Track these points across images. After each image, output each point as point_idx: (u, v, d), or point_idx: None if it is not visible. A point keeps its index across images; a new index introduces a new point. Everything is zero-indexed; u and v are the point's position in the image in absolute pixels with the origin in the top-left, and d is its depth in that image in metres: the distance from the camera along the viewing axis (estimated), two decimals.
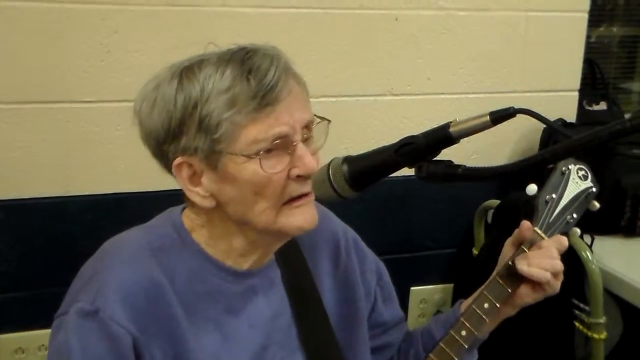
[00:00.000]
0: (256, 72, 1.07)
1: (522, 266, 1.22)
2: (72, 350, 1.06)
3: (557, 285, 1.24)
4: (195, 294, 1.15)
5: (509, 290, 1.25)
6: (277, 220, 1.12)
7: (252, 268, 1.21)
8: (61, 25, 1.84)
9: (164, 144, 1.11)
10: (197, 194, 1.12)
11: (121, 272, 1.11)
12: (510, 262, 1.24)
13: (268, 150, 1.08)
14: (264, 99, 1.06)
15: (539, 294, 1.25)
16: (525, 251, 1.25)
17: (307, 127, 1.13)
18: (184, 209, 1.22)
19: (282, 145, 1.09)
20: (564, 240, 1.25)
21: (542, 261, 1.22)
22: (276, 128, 1.07)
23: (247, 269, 1.20)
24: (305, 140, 1.12)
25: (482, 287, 1.27)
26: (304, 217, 1.14)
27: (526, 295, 1.25)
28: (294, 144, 1.10)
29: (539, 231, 1.26)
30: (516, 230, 1.29)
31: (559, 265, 1.22)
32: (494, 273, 1.27)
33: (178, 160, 1.11)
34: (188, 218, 1.19)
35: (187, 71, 1.09)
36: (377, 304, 1.42)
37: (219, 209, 1.14)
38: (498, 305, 1.24)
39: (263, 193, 1.10)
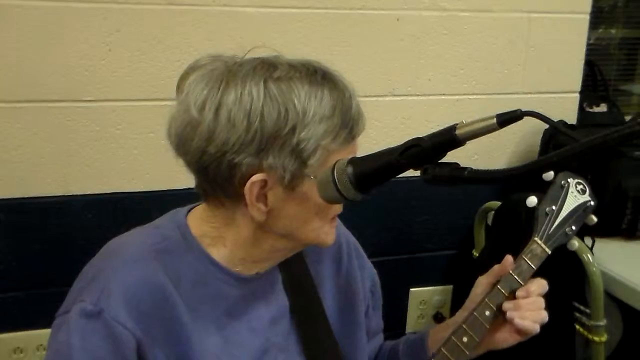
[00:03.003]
0: (343, 102, 1.09)
1: (517, 319, 1.24)
2: (74, 350, 1.05)
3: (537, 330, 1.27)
4: (198, 297, 1.14)
5: (487, 327, 1.27)
6: (320, 236, 1.15)
7: (258, 272, 1.21)
8: (62, 24, 1.83)
9: (235, 154, 1.06)
10: (258, 209, 1.10)
11: (126, 274, 1.10)
12: (492, 305, 1.27)
13: None
14: (352, 130, 1.10)
15: (516, 340, 1.29)
16: (503, 293, 1.27)
17: None
18: (189, 210, 1.21)
19: None
20: (546, 285, 1.29)
21: (533, 314, 1.25)
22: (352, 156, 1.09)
23: (253, 274, 1.20)
24: None
25: (460, 321, 1.29)
26: (334, 233, 1.19)
27: (504, 341, 1.29)
28: None
29: (540, 241, 1.28)
30: (496, 266, 1.31)
31: (546, 317, 1.27)
32: (473, 308, 1.29)
33: (258, 177, 1.07)
34: (200, 220, 1.18)
35: (276, 84, 1.06)
36: (368, 311, 1.42)
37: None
38: (478, 340, 1.26)
39: (323, 213, 1.13)
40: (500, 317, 1.28)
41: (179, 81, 1.14)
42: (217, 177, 1.09)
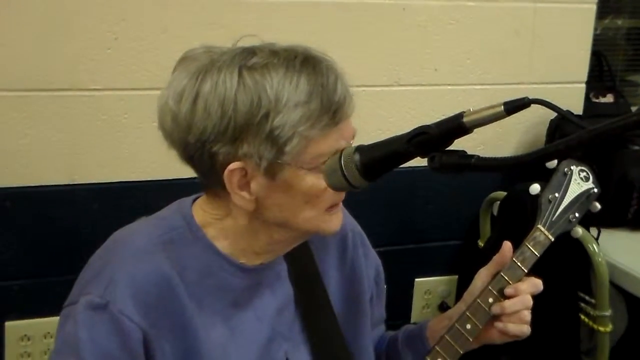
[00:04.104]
0: (326, 86, 1.06)
1: (501, 326, 1.25)
2: (81, 342, 1.05)
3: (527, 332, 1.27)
4: (203, 288, 1.14)
5: (491, 314, 1.27)
6: (319, 225, 1.14)
7: (262, 263, 1.20)
8: (68, 13, 1.84)
9: (213, 142, 1.06)
10: (242, 197, 1.09)
11: (132, 266, 1.10)
12: (496, 292, 1.26)
13: (324, 163, 1.07)
14: (336, 115, 1.07)
15: (511, 339, 1.28)
16: (506, 280, 1.26)
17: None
18: (194, 200, 1.21)
19: None
20: (540, 284, 1.28)
21: (519, 315, 1.25)
22: (340, 142, 1.08)
23: (258, 264, 1.20)
24: None
25: (464, 308, 1.29)
26: (338, 221, 1.17)
27: (498, 338, 1.29)
28: None
29: (543, 229, 1.28)
30: (496, 256, 1.30)
31: (528, 317, 1.26)
32: (477, 295, 1.29)
33: (235, 165, 1.06)
34: (202, 210, 1.18)
35: (250, 72, 1.05)
36: (372, 300, 1.42)
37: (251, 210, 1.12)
38: (481, 327, 1.27)
39: (314, 202, 1.10)
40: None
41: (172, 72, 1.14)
42: (203, 167, 1.10)
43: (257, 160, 1.05)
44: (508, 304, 1.25)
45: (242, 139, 1.05)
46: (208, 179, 1.12)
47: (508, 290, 1.25)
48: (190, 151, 1.09)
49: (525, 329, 1.26)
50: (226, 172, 1.07)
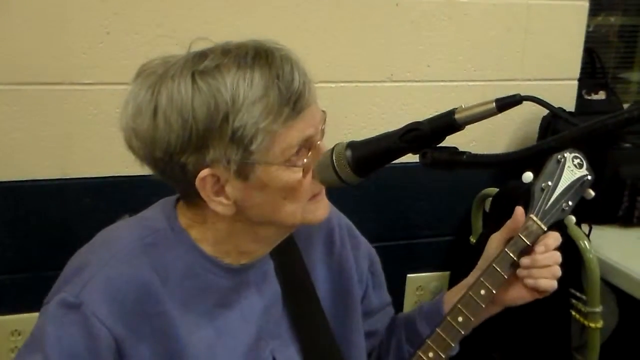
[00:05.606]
0: (283, 78, 1.04)
1: (531, 281, 1.22)
2: (48, 339, 1.04)
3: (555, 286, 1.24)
4: (187, 290, 1.13)
5: (505, 277, 1.24)
6: (304, 217, 1.12)
7: (248, 262, 1.20)
8: (61, 7, 1.83)
9: (180, 154, 1.05)
10: (219, 203, 1.08)
11: (111, 270, 1.09)
12: (510, 253, 1.23)
13: (296, 154, 1.07)
14: (297, 105, 1.05)
15: (533, 297, 1.26)
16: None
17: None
18: (178, 200, 1.20)
19: (305, 145, 1.08)
20: (559, 237, 1.25)
21: (551, 269, 1.22)
22: (306, 131, 1.07)
23: (243, 264, 1.19)
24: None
25: (477, 275, 1.26)
26: (324, 208, 1.16)
27: (521, 298, 1.26)
28: (318, 142, 1.10)
29: (535, 218, 1.26)
30: (508, 221, 1.27)
31: (559, 272, 1.23)
32: (490, 261, 1.26)
33: (205, 172, 1.05)
34: (183, 214, 1.17)
35: (203, 76, 1.03)
36: (368, 291, 1.41)
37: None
38: (494, 292, 1.23)
39: (293, 196, 1.09)
40: (514, 275, 1.24)
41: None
42: (176, 179, 1.10)
43: (225, 164, 1.04)
44: (540, 257, 1.22)
45: (207, 145, 1.04)
46: (184, 190, 1.12)
47: (539, 248, 1.22)
48: (160, 166, 1.08)
49: (555, 284, 1.23)
50: (197, 180, 1.06)
